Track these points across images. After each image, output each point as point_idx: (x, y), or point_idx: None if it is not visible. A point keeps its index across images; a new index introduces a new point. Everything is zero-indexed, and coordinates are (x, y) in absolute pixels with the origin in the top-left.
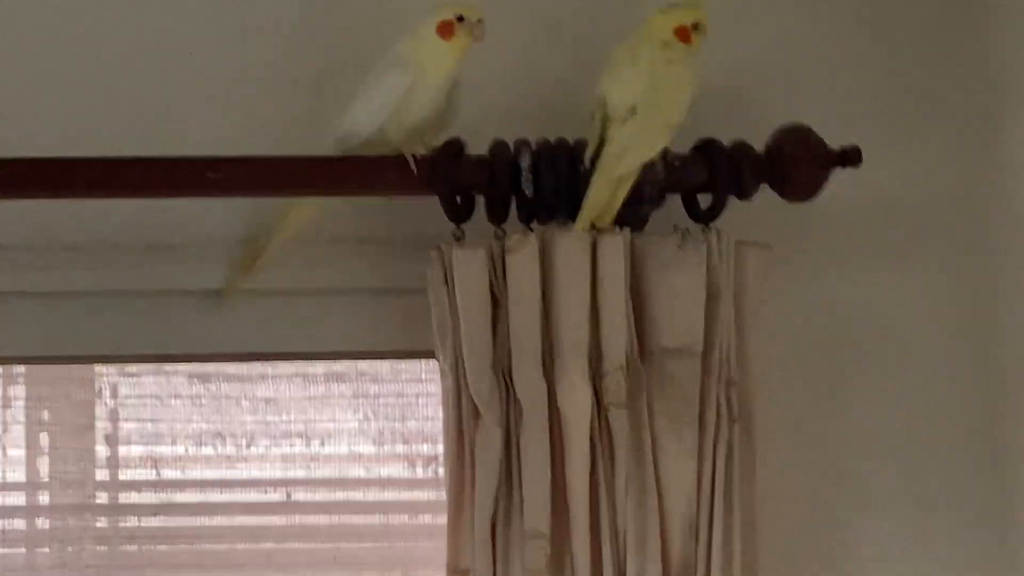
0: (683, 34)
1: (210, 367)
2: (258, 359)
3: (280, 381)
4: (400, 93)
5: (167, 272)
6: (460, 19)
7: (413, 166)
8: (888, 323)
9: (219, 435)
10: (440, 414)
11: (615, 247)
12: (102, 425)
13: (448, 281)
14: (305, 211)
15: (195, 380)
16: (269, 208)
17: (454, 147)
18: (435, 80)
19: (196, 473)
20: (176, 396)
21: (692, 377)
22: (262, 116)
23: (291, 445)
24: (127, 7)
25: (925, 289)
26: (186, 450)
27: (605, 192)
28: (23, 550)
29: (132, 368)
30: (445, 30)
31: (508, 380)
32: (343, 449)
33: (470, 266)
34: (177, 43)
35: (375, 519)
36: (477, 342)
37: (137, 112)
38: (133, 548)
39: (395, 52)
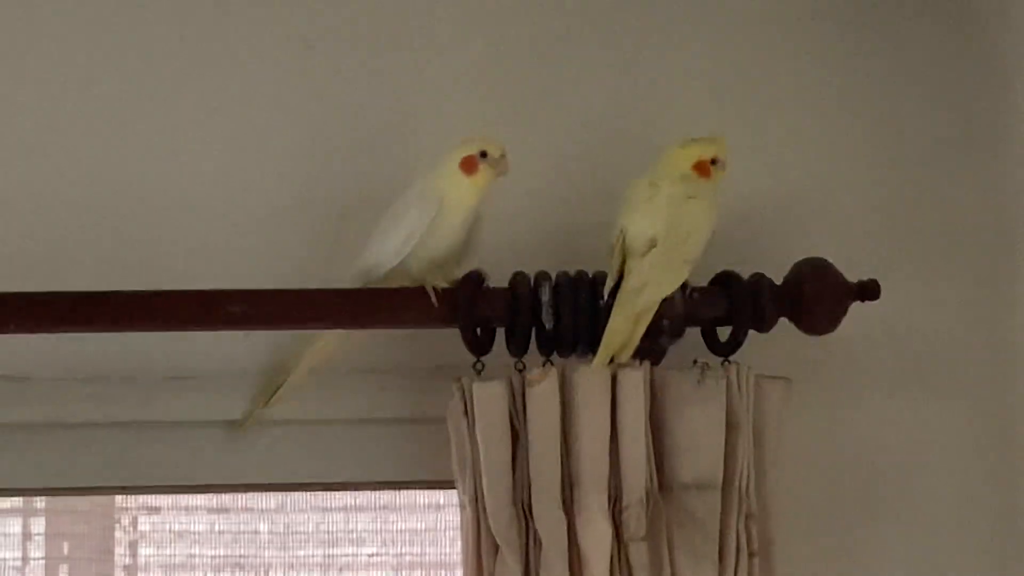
0: (702, 168)
1: (229, 498)
2: (277, 490)
3: (299, 511)
4: (424, 226)
5: (187, 403)
6: (483, 154)
7: (434, 299)
8: (909, 455)
9: (239, 566)
10: (459, 546)
11: (635, 381)
12: (121, 556)
13: (468, 413)
14: (326, 343)
15: (215, 511)
16: (290, 339)
17: (475, 280)
18: (458, 214)
19: None
20: (196, 527)
21: (712, 511)
22: (281, 249)
23: None
24: (147, 137)
25: (946, 421)
26: None
27: (624, 327)
28: None
29: (152, 499)
30: (468, 165)
31: (528, 514)
32: None
33: (490, 399)
34: (197, 175)
35: None
36: (496, 475)
37: (155, 245)
38: None
39: (418, 186)
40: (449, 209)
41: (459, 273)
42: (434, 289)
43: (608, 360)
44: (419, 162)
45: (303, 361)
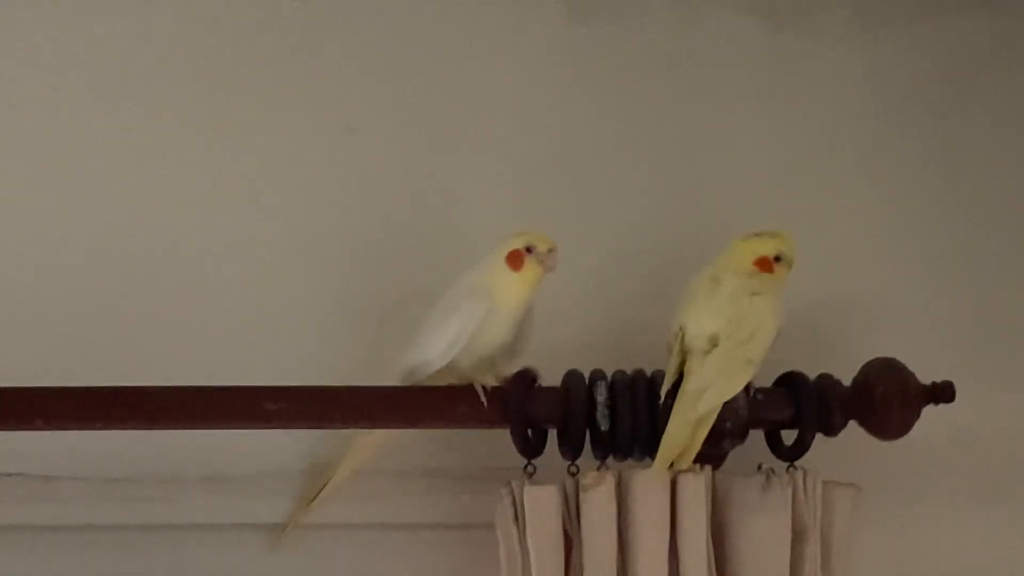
0: (764, 264)
1: None
2: None
3: None
4: (475, 325)
5: (223, 505)
6: (529, 249)
7: (484, 398)
8: (986, 568)
9: None
10: None
11: (696, 487)
12: None
13: (518, 519)
14: (370, 442)
15: None
16: (332, 438)
17: (526, 378)
18: (507, 311)
19: None
20: None
21: None
22: (321, 346)
23: None
24: (184, 228)
25: None
26: None
27: (685, 431)
28: None
29: None
30: (514, 260)
31: None
32: None
33: (542, 504)
34: (236, 268)
35: None
36: None
37: (191, 340)
38: None
39: (466, 281)
40: (499, 306)
41: (510, 370)
42: (483, 387)
43: (668, 466)
44: (465, 257)
45: (345, 461)
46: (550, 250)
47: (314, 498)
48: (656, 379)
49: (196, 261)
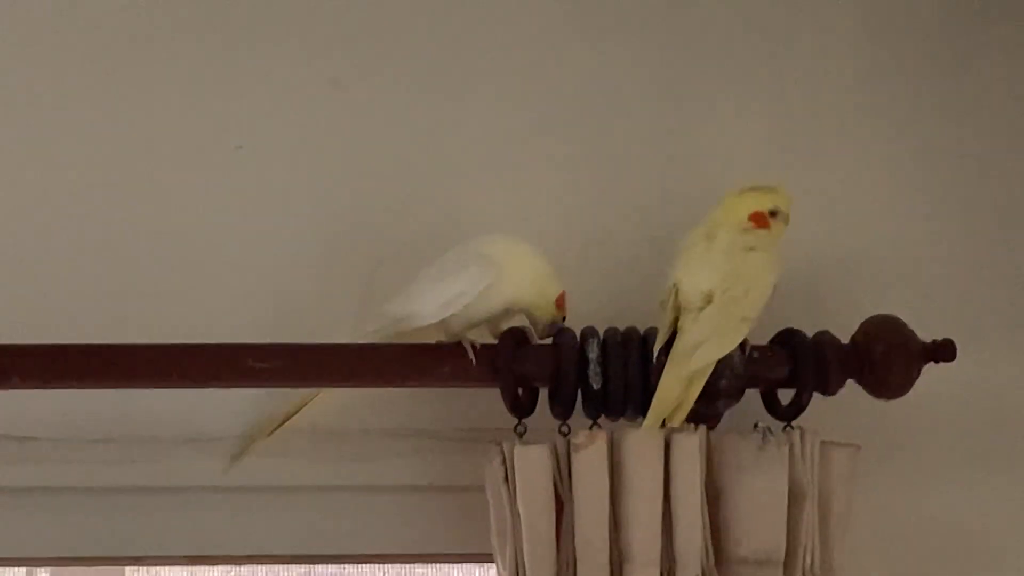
0: (759, 219)
1: (248, 570)
2: (301, 562)
3: None
4: (478, 291)
5: (205, 467)
6: (562, 301)
7: (472, 356)
8: (987, 530)
9: None
10: None
11: (690, 446)
12: None
13: (509, 479)
14: (337, 393)
15: None
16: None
17: (516, 335)
18: (511, 289)
19: None
20: None
21: None
22: (306, 301)
23: None
24: (167, 180)
25: None
26: None
27: (676, 388)
28: None
29: (164, 571)
30: (559, 303)
31: None
32: None
33: (533, 464)
34: (220, 222)
35: None
36: (540, 547)
37: (173, 296)
38: None
39: (477, 246)
40: (511, 290)
41: (499, 331)
42: (472, 345)
43: (659, 423)
44: (453, 214)
45: (313, 403)
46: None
47: (274, 430)
48: (649, 337)
49: (177, 216)
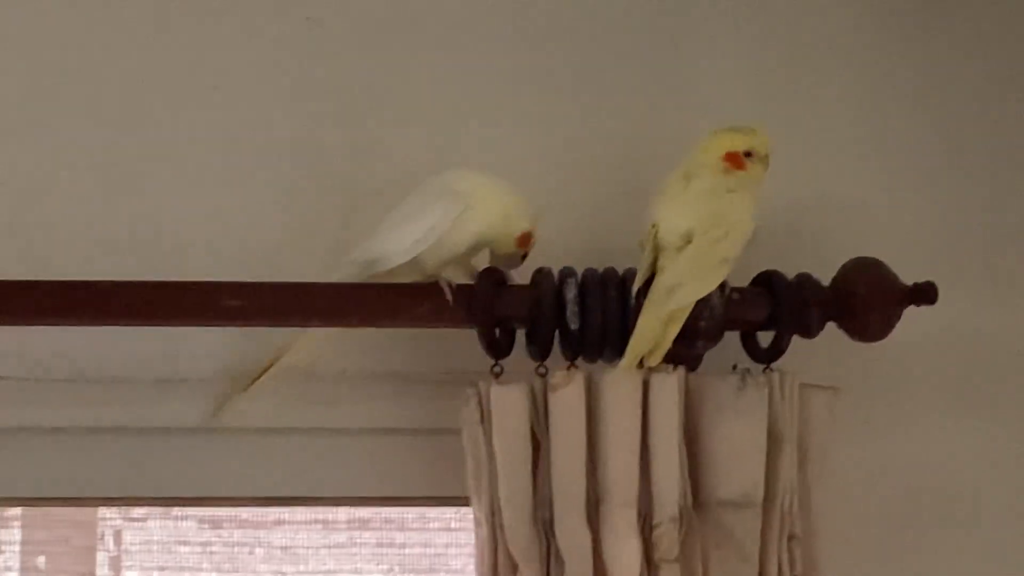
0: (734, 160)
1: (222, 511)
2: (274, 504)
3: (298, 528)
4: (448, 224)
5: (179, 408)
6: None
7: (449, 296)
8: (966, 473)
9: None
10: (472, 566)
11: (669, 387)
12: (104, 573)
13: (485, 420)
14: (312, 339)
15: (205, 525)
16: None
17: (494, 275)
18: (486, 225)
19: None
20: (185, 542)
21: (751, 531)
22: (281, 243)
23: None
24: (138, 120)
25: (1007, 437)
26: None
27: (655, 328)
28: None
29: (137, 512)
30: (522, 241)
31: (549, 531)
32: None
33: (510, 405)
34: (190, 162)
35: None
36: (516, 489)
37: (145, 234)
38: None
39: (444, 181)
40: (478, 223)
41: (472, 269)
42: (449, 285)
43: (636, 363)
44: (429, 153)
45: (290, 353)
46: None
47: (252, 383)
48: (628, 278)
49: (152, 153)
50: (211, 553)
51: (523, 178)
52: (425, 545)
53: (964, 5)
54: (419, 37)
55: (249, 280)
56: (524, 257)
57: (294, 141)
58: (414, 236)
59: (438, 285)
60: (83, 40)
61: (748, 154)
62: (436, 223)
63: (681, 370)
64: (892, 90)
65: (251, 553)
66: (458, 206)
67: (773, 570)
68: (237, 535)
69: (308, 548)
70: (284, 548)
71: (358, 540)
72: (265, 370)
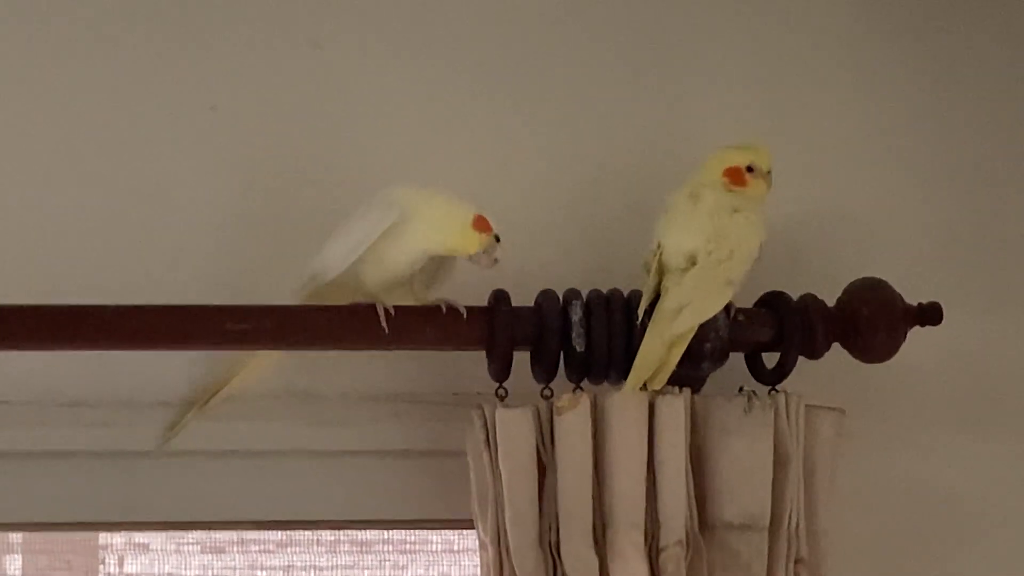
0: (735, 176)
1: (225, 536)
2: (278, 528)
3: (301, 550)
4: (379, 231)
5: (183, 431)
6: (481, 222)
7: (384, 322)
8: (973, 495)
9: None
10: None
11: (675, 409)
12: None
13: (490, 443)
14: (266, 359)
15: (208, 550)
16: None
17: (505, 297)
18: (431, 243)
19: None
20: (188, 568)
21: (757, 554)
22: (243, 264)
23: None
24: (98, 144)
25: (1013, 457)
26: None
27: (659, 350)
28: None
29: (140, 536)
30: (479, 224)
31: (556, 555)
32: None
33: (515, 428)
34: (146, 184)
35: None
36: (522, 513)
37: (120, 257)
38: None
39: (383, 193)
40: (421, 232)
41: (427, 297)
42: (385, 309)
43: (640, 386)
44: (430, 176)
45: (244, 373)
46: (493, 243)
47: (207, 401)
48: (633, 299)
49: (123, 178)
50: None
51: (525, 199)
52: (428, 567)
53: (970, 16)
54: (420, 57)
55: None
56: (498, 240)
57: (263, 162)
58: (346, 247)
59: (437, 308)
60: (48, 55)
61: (750, 169)
62: (368, 232)
63: (687, 392)
64: (896, 108)
65: None
66: (391, 215)
67: None
68: (240, 560)
69: (312, 572)
70: (286, 570)
71: (360, 563)
72: (220, 387)
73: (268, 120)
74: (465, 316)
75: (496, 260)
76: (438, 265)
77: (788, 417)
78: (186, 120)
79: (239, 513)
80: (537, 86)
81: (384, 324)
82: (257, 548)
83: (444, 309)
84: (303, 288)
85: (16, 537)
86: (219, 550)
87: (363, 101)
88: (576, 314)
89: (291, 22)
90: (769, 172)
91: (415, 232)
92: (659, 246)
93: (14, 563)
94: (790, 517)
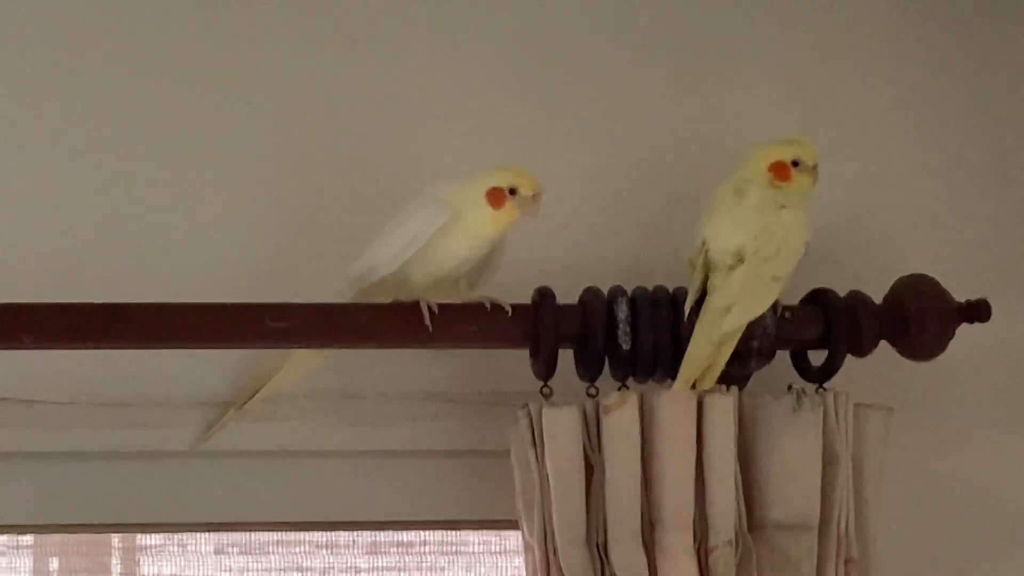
0: (780, 171)
1: (263, 536)
2: (316, 529)
3: (340, 551)
4: (429, 233)
5: (220, 431)
6: (512, 191)
7: (427, 319)
8: (1020, 492)
9: None
10: None
11: (723, 408)
12: None
13: (536, 443)
14: (303, 360)
15: (247, 551)
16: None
17: (550, 294)
18: (473, 237)
19: None
20: (225, 568)
21: (807, 554)
22: (265, 260)
23: None
24: (137, 141)
25: None
26: None
27: (707, 350)
28: None
29: (154, 539)
30: (495, 198)
31: (604, 555)
32: None
33: (562, 427)
34: (187, 183)
35: None
36: (569, 512)
37: (134, 259)
38: None
39: (433, 192)
40: (464, 229)
41: (471, 295)
42: (429, 307)
43: (690, 386)
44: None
45: (283, 372)
46: (534, 195)
47: (244, 403)
48: (679, 296)
49: (172, 177)
50: None
51: (568, 197)
52: (469, 569)
53: (1012, 10)
54: (450, 54)
55: (289, 301)
56: (534, 198)
57: (309, 163)
58: (398, 246)
59: (480, 306)
60: (82, 59)
61: (795, 163)
62: (420, 231)
63: (735, 390)
64: (943, 102)
65: None
66: (442, 214)
67: None
68: (274, 561)
69: (351, 571)
70: (325, 570)
71: (399, 564)
72: (257, 390)
73: (304, 116)
74: (510, 313)
75: (536, 210)
76: (484, 262)
77: (837, 416)
78: (221, 116)
79: (277, 514)
80: (577, 83)
81: (428, 322)
82: (296, 549)
83: (488, 306)
84: (350, 288)
85: (27, 539)
86: (258, 551)
87: (401, 96)
88: (622, 312)
89: (327, 17)
90: (815, 166)
91: (465, 231)
92: (704, 243)
93: (51, 564)
94: (839, 517)
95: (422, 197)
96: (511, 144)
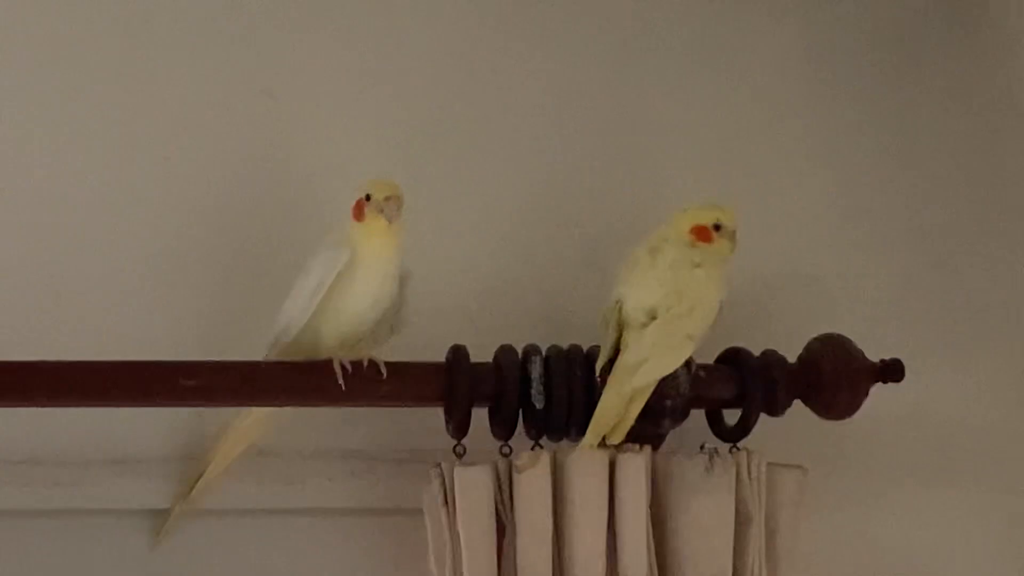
0: (702, 233)
1: None
2: None
3: None
4: (335, 272)
5: (134, 489)
6: (368, 198)
7: (340, 378)
8: (937, 554)
9: None
10: None
11: (635, 467)
12: None
13: (448, 502)
14: (247, 425)
15: None
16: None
17: (463, 352)
18: (368, 264)
19: None
20: None
21: None
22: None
23: None
24: (50, 199)
25: (977, 516)
26: None
27: (617, 406)
28: None
29: None
30: (356, 211)
31: None
32: None
33: (474, 486)
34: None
35: None
36: (480, 572)
37: (51, 316)
38: None
39: (332, 239)
40: (361, 263)
41: (380, 352)
42: (342, 365)
43: (599, 441)
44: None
45: (221, 448)
46: (387, 198)
47: (191, 488)
48: (593, 355)
49: (88, 232)
50: None
51: (483, 254)
52: None
53: (928, 82)
54: (369, 108)
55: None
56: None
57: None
58: (306, 295)
59: (397, 364)
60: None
61: (716, 227)
62: (323, 276)
63: (647, 449)
64: (856, 165)
65: None
66: (343, 255)
67: None
68: None
69: None
70: None
71: None
72: (198, 478)
73: (222, 171)
74: (385, 376)
75: (392, 212)
76: (390, 317)
77: (750, 476)
78: (138, 172)
79: (188, 572)
80: (495, 139)
81: (341, 380)
82: None
83: (365, 365)
84: (271, 348)
85: None
86: None
87: (320, 151)
88: (536, 370)
89: (244, 72)
90: (734, 232)
91: (362, 265)
92: (618, 301)
93: None
94: None
95: (319, 245)
96: (428, 197)
